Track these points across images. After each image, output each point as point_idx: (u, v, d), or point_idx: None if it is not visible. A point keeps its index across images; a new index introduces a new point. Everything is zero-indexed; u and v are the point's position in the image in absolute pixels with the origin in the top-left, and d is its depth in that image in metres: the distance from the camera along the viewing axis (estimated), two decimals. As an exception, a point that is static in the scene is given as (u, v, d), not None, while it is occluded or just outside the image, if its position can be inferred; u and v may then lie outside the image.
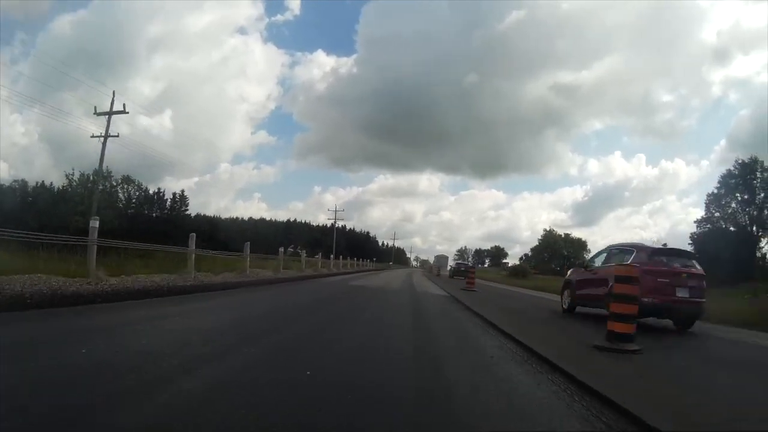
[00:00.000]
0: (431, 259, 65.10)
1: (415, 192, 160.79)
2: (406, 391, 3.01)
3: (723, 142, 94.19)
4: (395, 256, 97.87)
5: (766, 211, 41.20)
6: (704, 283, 7.45)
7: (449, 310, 9.08)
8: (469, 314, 8.29)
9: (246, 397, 2.55)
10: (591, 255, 12.34)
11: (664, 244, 8.69)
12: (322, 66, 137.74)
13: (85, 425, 2.03)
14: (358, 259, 45.08)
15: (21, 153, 61.82)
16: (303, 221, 76.25)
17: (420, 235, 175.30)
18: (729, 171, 43.65)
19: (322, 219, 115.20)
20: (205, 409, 2.34)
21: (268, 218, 72.56)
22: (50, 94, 66.89)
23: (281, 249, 16.82)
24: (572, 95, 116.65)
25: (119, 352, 3.42)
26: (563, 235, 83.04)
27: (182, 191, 39.02)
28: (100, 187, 30.82)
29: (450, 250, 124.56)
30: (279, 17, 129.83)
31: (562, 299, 10.00)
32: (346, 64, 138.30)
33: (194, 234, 10.33)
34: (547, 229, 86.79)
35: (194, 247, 10.23)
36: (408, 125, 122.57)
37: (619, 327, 4.68)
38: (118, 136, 23.48)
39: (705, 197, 45.54)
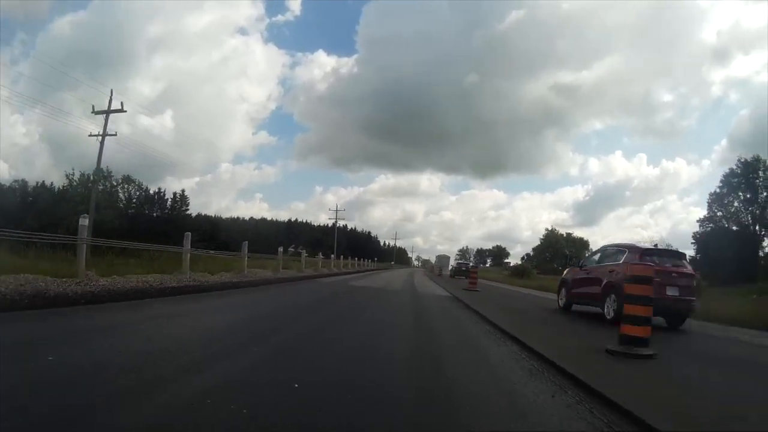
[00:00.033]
0: (433, 259, 64.82)
1: (416, 192, 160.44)
2: (406, 391, 3.02)
3: (724, 142, 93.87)
4: (397, 256, 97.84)
5: (768, 210, 40.98)
6: (694, 282, 7.65)
7: (449, 309, 9.04)
8: (470, 313, 8.26)
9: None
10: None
11: (655, 245, 8.83)
12: (322, 66, 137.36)
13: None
14: (359, 259, 45.00)
15: (22, 153, 61.92)
16: (304, 221, 76.43)
17: (421, 235, 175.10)
18: (731, 170, 43.58)
19: (323, 219, 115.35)
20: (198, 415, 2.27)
21: (269, 218, 72.74)
22: (51, 95, 67.03)
23: (280, 249, 16.72)
24: (572, 95, 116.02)
25: (81, 358, 3.08)
26: (565, 235, 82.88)
27: (183, 191, 39.06)
28: (101, 187, 30.75)
29: (451, 250, 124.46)
30: (280, 17, 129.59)
31: (558, 297, 10.35)
32: (346, 64, 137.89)
33: (189, 233, 10.13)
34: (549, 228, 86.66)
35: (189, 247, 10.01)
36: (408, 125, 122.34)
37: (632, 330, 4.46)
38: (116, 134, 23.24)
39: (707, 196, 45.49)
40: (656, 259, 7.49)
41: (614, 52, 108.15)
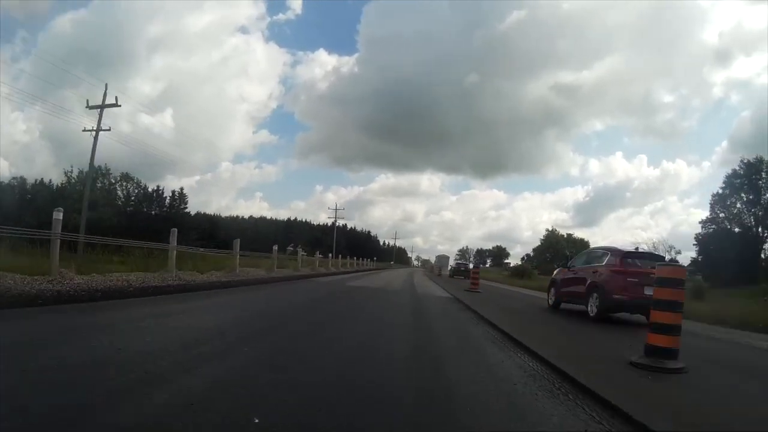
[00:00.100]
0: (433, 259, 64.58)
1: (416, 192, 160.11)
2: (406, 391, 3.01)
3: (724, 144, 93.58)
4: (396, 256, 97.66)
5: (771, 212, 40.58)
6: None
7: (450, 310, 9.00)
8: (471, 314, 8.18)
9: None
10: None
11: (637, 248, 9.58)
12: (323, 65, 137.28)
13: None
14: (358, 259, 44.86)
15: (22, 150, 61.89)
16: (304, 220, 76.34)
17: (421, 235, 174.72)
18: (734, 171, 43.20)
19: (323, 218, 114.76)
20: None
21: (269, 217, 72.59)
22: (51, 92, 67.16)
23: (275, 247, 16.48)
24: (573, 95, 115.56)
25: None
26: (565, 235, 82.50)
27: (181, 189, 38.73)
28: (99, 185, 30.58)
29: (451, 250, 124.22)
30: (281, 16, 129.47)
31: (548, 296, 10.64)
32: (347, 63, 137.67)
33: (175, 229, 9.81)
34: (549, 229, 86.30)
35: (175, 244, 9.59)
36: (409, 125, 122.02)
37: (660, 340, 3.91)
38: (109, 129, 22.88)
39: (708, 198, 45.14)
40: (638, 261, 7.91)
41: (615, 52, 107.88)
